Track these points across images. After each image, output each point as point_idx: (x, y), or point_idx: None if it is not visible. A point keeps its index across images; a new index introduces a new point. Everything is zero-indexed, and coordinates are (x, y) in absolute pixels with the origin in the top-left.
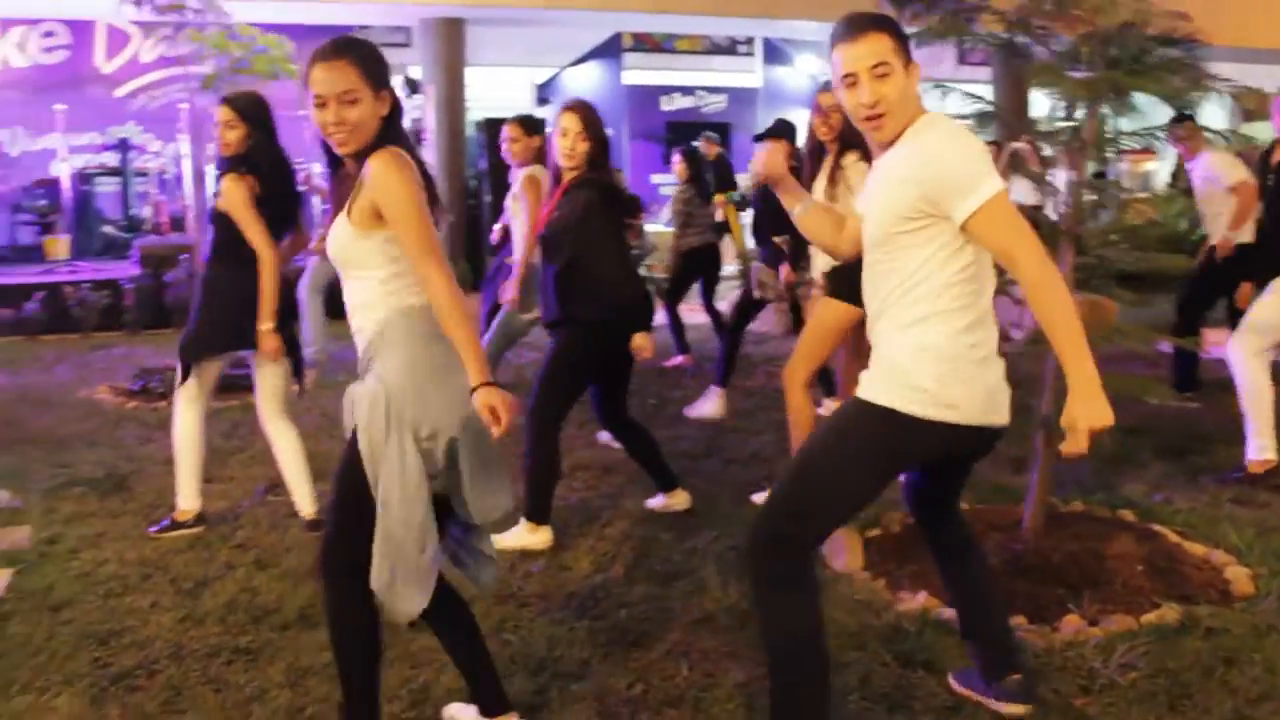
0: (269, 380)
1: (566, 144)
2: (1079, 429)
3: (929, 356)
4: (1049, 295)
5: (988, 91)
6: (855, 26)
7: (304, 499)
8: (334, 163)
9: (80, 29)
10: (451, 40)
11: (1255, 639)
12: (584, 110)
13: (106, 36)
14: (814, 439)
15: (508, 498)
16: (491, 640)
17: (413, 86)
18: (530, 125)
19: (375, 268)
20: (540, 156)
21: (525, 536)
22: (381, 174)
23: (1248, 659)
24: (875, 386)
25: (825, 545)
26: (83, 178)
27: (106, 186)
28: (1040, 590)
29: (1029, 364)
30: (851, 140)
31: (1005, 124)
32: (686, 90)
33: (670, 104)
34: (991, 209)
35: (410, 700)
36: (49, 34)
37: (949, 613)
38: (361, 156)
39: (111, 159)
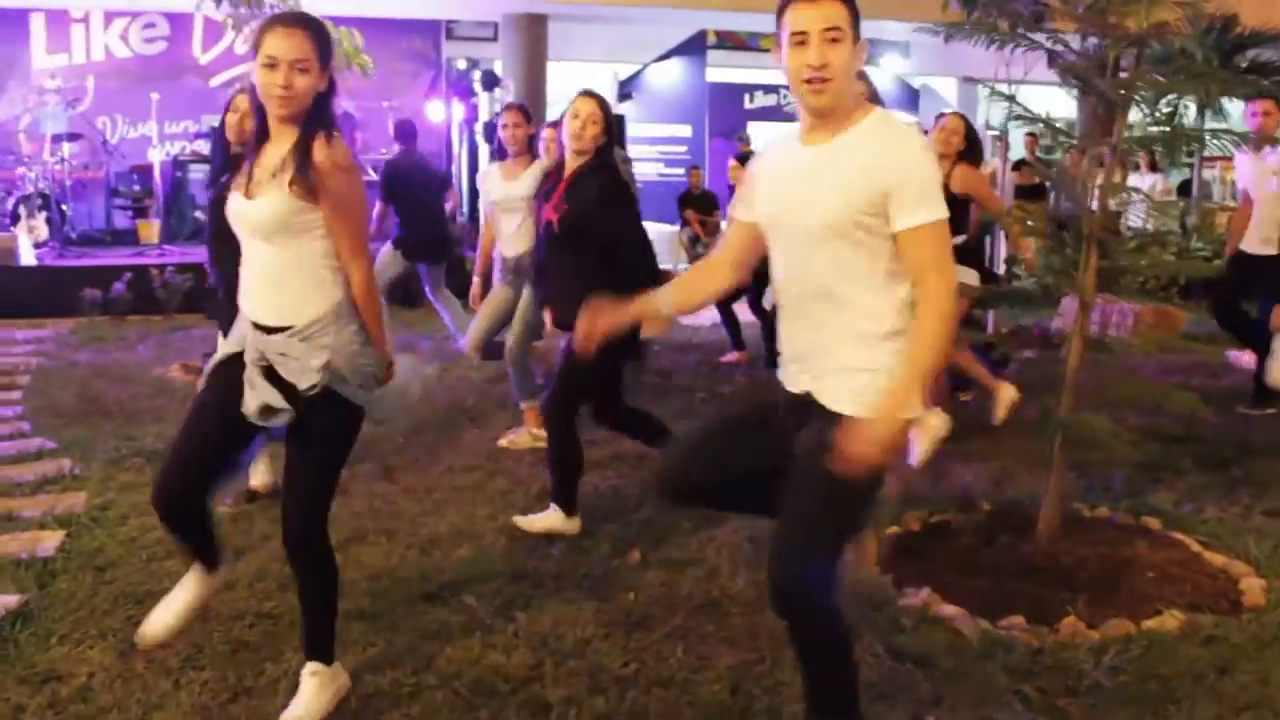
0: None
1: (576, 125)
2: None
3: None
4: (942, 324)
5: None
6: None
7: None
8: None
9: (179, 21)
10: (534, 36)
11: (1255, 649)
12: (599, 99)
13: (203, 28)
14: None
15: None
16: (499, 617)
17: (492, 80)
18: (529, 115)
19: (314, 240)
20: (530, 147)
21: (555, 521)
22: (345, 170)
23: (1242, 668)
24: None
25: None
26: (176, 164)
27: (197, 173)
28: (1045, 592)
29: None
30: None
31: (1063, 133)
32: (770, 89)
33: (752, 102)
34: (937, 228)
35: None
36: (150, 25)
37: (948, 609)
38: (292, 123)
39: (203, 147)
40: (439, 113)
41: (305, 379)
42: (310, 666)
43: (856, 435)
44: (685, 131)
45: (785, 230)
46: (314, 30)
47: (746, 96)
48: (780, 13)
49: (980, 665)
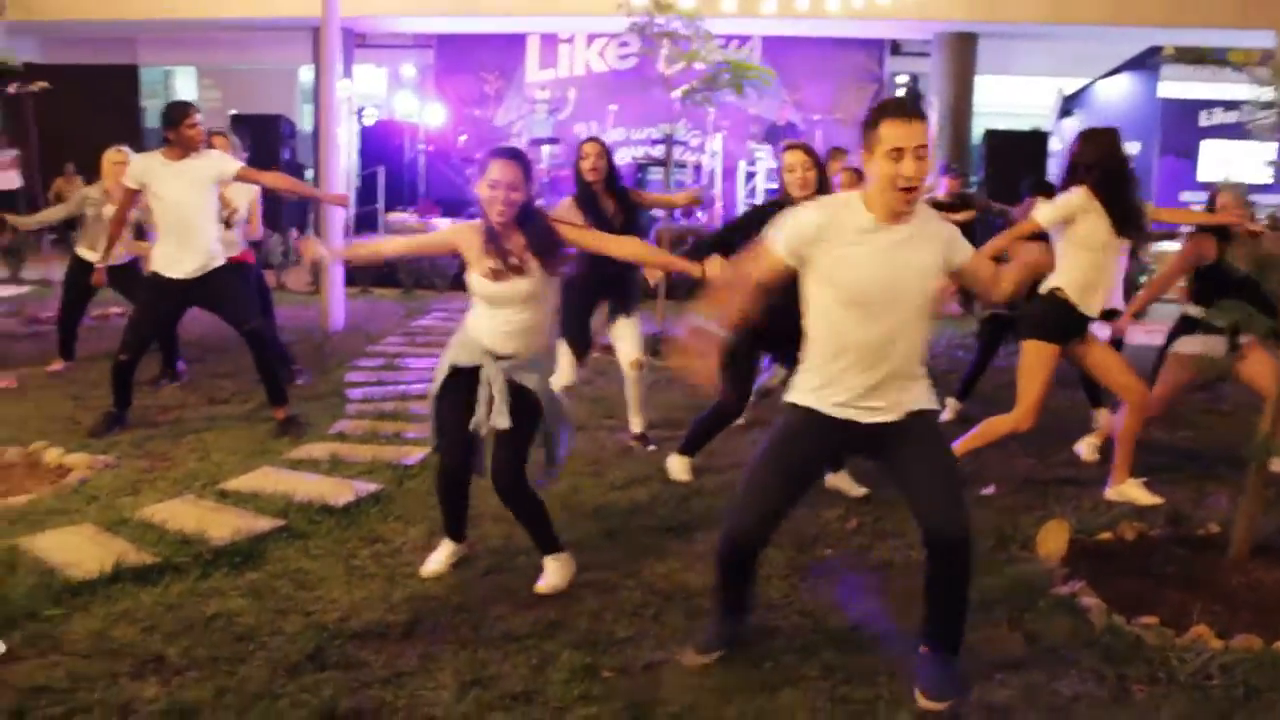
0: None
1: (795, 178)
2: None
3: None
4: None
5: None
6: (911, 109)
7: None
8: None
9: (649, 40)
10: (962, 53)
11: None
12: (805, 147)
13: (669, 45)
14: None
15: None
16: (713, 551)
17: (915, 97)
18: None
19: (548, 302)
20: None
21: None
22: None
23: None
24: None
25: (1040, 532)
26: (638, 167)
27: (654, 175)
28: (1201, 604)
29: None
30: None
31: None
32: (1230, 104)
33: (1209, 119)
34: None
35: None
36: (624, 44)
37: (1090, 601)
38: (513, 224)
39: (659, 152)
40: None
41: (529, 381)
42: (549, 557)
43: None
44: (1133, 149)
45: (882, 303)
46: (520, 160)
47: (1203, 113)
48: (874, 125)
49: (1083, 648)
